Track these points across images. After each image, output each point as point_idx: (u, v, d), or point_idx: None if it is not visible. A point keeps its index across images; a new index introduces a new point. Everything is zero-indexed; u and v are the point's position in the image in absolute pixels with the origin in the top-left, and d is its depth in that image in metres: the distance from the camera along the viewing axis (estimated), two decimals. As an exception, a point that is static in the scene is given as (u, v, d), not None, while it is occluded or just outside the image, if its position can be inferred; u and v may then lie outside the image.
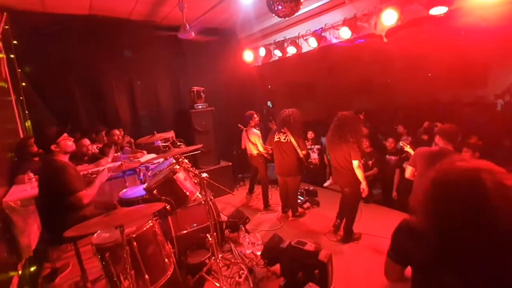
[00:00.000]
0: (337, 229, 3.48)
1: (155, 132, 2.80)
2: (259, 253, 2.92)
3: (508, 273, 0.77)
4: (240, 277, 2.65)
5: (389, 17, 3.28)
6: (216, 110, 5.14)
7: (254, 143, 4.29)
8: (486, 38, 5.33)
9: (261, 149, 4.26)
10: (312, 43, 4.32)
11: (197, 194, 2.50)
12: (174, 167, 2.38)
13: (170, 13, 4.45)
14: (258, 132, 4.34)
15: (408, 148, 3.35)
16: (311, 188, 4.80)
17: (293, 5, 2.88)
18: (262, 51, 5.25)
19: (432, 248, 0.89)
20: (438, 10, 2.94)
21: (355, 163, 3.06)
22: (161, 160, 2.91)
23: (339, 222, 3.48)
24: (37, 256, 2.91)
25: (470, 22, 4.36)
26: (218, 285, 2.42)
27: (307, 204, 4.34)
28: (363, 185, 3.11)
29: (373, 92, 8.46)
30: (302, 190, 4.55)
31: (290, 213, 4.03)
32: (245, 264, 2.84)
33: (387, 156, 4.54)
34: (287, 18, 4.33)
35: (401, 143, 3.77)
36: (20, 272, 2.53)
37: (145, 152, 3.96)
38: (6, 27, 3.44)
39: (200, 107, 4.96)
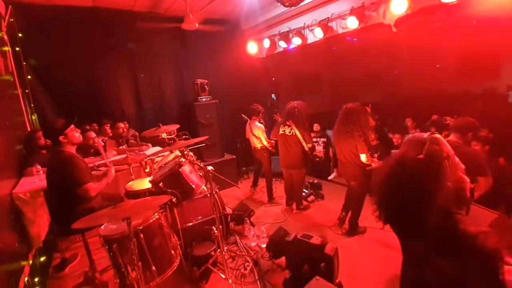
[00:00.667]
0: (342, 222, 3.47)
1: (160, 124, 2.80)
2: (264, 246, 2.94)
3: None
4: (245, 269, 2.67)
5: (399, 5, 3.17)
6: (220, 103, 5.12)
7: (257, 136, 4.27)
8: (499, 27, 5.14)
9: (265, 142, 4.24)
10: (318, 34, 4.22)
11: (203, 186, 2.50)
12: (180, 160, 2.38)
13: (173, 4, 4.38)
14: (262, 125, 4.31)
15: None
16: (316, 181, 4.79)
17: (299, -6, 2.81)
18: (266, 43, 5.17)
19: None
20: (451, -2, 2.82)
21: (363, 157, 3.02)
22: (167, 153, 2.91)
23: (344, 215, 3.47)
24: (47, 246, 2.97)
25: (483, 10, 4.20)
26: (223, 276, 2.45)
27: (311, 197, 4.33)
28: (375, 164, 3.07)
29: (380, 84, 8.30)
30: (306, 183, 4.54)
31: (294, 206, 4.03)
32: (250, 256, 2.86)
33: (393, 151, 4.47)
34: (292, 8, 4.24)
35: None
36: (30, 262, 2.59)
37: (150, 145, 3.98)
38: (11, 20, 3.44)
39: (204, 99, 4.93)
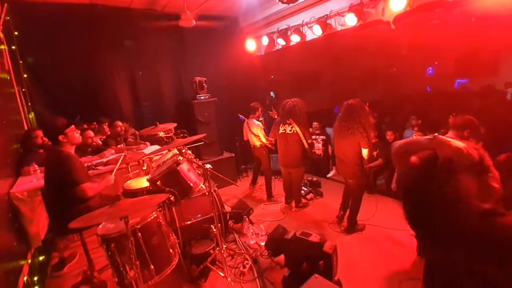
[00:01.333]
0: (341, 220, 3.48)
1: (157, 123, 2.79)
2: (263, 244, 2.94)
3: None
4: (244, 267, 2.67)
5: (398, 2, 3.16)
6: (218, 101, 5.10)
7: (256, 134, 4.26)
8: (498, 25, 5.13)
9: (263, 140, 4.23)
10: (317, 31, 4.21)
11: (201, 185, 2.50)
12: (178, 158, 2.37)
13: (170, 1, 4.35)
14: (260, 123, 4.30)
15: None
16: (315, 179, 4.79)
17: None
18: (265, 40, 5.14)
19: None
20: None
21: (365, 152, 3.02)
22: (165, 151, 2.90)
23: (342, 213, 3.47)
24: (46, 245, 2.97)
25: (482, 7, 4.18)
26: (222, 275, 2.45)
27: (310, 195, 4.33)
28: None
29: (379, 82, 8.30)
30: (305, 181, 4.54)
31: (293, 204, 4.04)
32: (249, 254, 2.86)
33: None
34: (291, 5, 4.22)
35: (414, 135, 3.70)
36: (29, 261, 2.59)
37: (148, 143, 3.97)
38: (7, 18, 3.40)
39: (202, 97, 4.91)
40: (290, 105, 3.63)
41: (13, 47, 3.56)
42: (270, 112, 5.16)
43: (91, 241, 2.60)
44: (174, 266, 2.15)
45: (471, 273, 0.94)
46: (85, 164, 3.01)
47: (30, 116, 3.96)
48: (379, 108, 6.02)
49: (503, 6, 3.93)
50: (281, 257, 2.63)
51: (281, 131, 3.74)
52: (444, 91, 7.47)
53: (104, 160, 3.20)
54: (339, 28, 4.06)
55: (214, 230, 2.43)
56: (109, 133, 4.08)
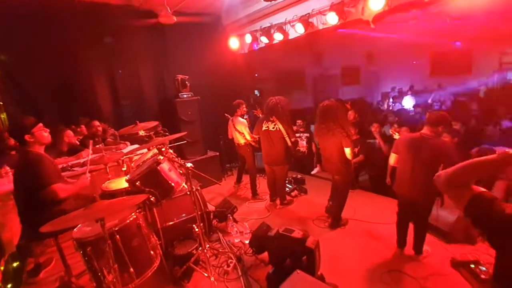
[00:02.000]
0: (330, 211, 3.55)
1: (138, 121, 2.71)
2: (247, 242, 2.93)
3: None
4: (228, 266, 2.66)
5: (377, 2, 3.23)
6: (202, 99, 5.03)
7: (241, 132, 4.24)
8: (472, 26, 5.38)
9: (248, 137, 4.22)
10: (299, 29, 4.23)
11: (183, 184, 2.45)
12: (158, 158, 2.31)
13: (150, -4, 4.24)
14: (245, 121, 4.29)
15: (397, 136, 3.39)
16: (299, 176, 4.84)
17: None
18: (248, 38, 5.12)
19: None
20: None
21: (348, 150, 3.08)
22: (145, 150, 2.83)
23: (331, 204, 3.56)
24: (20, 251, 2.83)
25: (456, 8, 4.37)
26: (206, 275, 2.43)
27: (295, 192, 4.37)
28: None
29: (360, 80, 8.50)
30: (290, 178, 4.58)
31: (278, 201, 4.06)
32: (233, 253, 2.85)
33: (369, 140, 4.59)
34: (273, 3, 4.22)
35: (390, 131, 3.81)
36: (2, 267, 2.46)
37: (128, 143, 3.85)
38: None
39: (185, 96, 4.83)
40: (273, 103, 3.64)
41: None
42: (255, 111, 5.15)
43: (68, 246, 2.49)
44: (155, 268, 2.10)
45: None
46: (60, 165, 2.89)
47: (2, 117, 3.75)
48: (361, 106, 6.17)
49: (476, 6, 4.12)
50: (265, 255, 2.64)
51: (264, 128, 3.75)
52: (421, 89, 7.76)
53: (81, 161, 3.08)
54: (320, 26, 4.11)
55: (197, 230, 2.39)
56: (87, 133, 3.93)
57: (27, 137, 2.24)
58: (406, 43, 6.50)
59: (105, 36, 4.59)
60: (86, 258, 1.89)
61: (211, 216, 3.31)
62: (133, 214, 2.04)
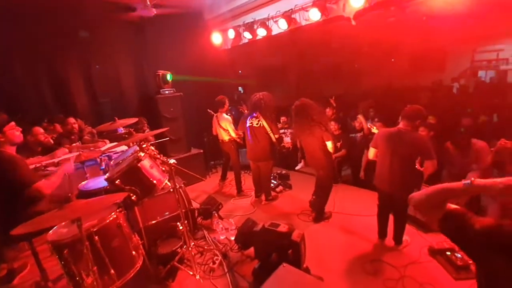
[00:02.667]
0: (314, 205, 3.60)
1: (116, 118, 2.60)
2: (233, 238, 2.91)
3: None
4: (214, 263, 2.63)
5: (357, -1, 3.29)
6: (184, 96, 4.92)
7: (225, 128, 4.20)
8: (446, 24, 5.60)
9: (232, 134, 4.19)
10: (282, 25, 4.23)
11: (166, 182, 2.39)
12: (139, 155, 2.23)
13: (129, -12, 4.07)
14: (229, 117, 4.24)
15: (374, 130, 3.48)
16: (284, 172, 4.87)
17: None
18: (231, 33, 5.05)
19: None
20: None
21: (329, 144, 3.13)
22: (125, 148, 2.73)
23: (315, 198, 3.61)
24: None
25: (432, 7, 4.53)
26: (191, 273, 2.39)
27: (279, 188, 4.40)
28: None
29: (343, 77, 8.67)
30: (274, 174, 4.60)
31: (263, 197, 4.06)
32: (219, 249, 2.82)
33: (352, 135, 4.70)
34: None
35: (368, 125, 3.91)
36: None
37: (107, 141, 3.70)
38: None
39: (167, 92, 4.70)
40: (256, 99, 3.62)
41: None
42: (240, 107, 5.12)
43: (44, 249, 2.37)
44: (138, 269, 2.03)
45: None
46: (33, 166, 2.73)
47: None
48: (344, 102, 6.29)
49: (451, 5, 4.29)
50: (251, 250, 2.64)
51: (248, 124, 3.73)
52: (401, 86, 8.03)
53: (56, 160, 2.92)
54: (303, 22, 4.13)
55: (181, 228, 2.34)
56: (61, 131, 3.73)
57: None
58: (386, 41, 6.69)
59: (80, 30, 4.36)
60: (63, 262, 1.79)
61: (196, 214, 3.26)
62: (112, 213, 1.96)
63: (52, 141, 3.40)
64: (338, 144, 4.61)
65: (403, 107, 2.64)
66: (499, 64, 7.63)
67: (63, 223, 1.92)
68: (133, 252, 2.04)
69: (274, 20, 4.42)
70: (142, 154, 2.21)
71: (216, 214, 3.32)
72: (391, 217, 2.82)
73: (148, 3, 3.61)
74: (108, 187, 2.28)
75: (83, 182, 2.65)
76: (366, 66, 8.51)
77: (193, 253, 2.44)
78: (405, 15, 4.51)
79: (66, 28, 4.18)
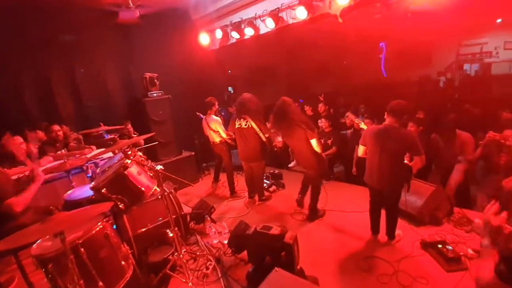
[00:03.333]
0: (300, 203, 3.63)
1: (101, 123, 2.52)
2: (226, 242, 2.88)
3: None
4: (207, 268, 2.58)
5: (343, -4, 3.28)
6: (173, 98, 4.83)
7: (215, 130, 4.15)
8: (430, 20, 5.68)
9: (223, 135, 4.15)
10: (270, 24, 4.20)
11: (155, 188, 2.33)
12: (125, 162, 2.17)
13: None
14: (219, 118, 4.20)
15: (363, 125, 3.49)
16: (276, 171, 4.85)
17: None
18: (218, 33, 5.00)
19: None
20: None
21: (314, 142, 3.12)
22: (111, 154, 2.65)
23: (301, 196, 3.65)
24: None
25: (417, 3, 4.58)
26: (184, 280, 2.34)
27: (273, 187, 4.38)
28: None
29: (332, 74, 8.71)
30: (267, 174, 4.58)
31: (256, 197, 4.04)
32: (212, 254, 2.78)
33: (342, 131, 4.72)
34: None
35: (356, 121, 3.92)
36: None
37: (94, 147, 3.60)
38: None
39: (155, 95, 4.60)
40: (243, 100, 3.59)
41: None
42: (230, 108, 5.07)
43: (30, 263, 2.27)
44: (128, 279, 1.97)
45: None
46: (16, 176, 2.63)
47: None
48: (333, 99, 6.31)
49: (434, 2, 4.34)
50: (245, 253, 2.61)
51: (237, 125, 3.69)
52: (390, 81, 8.12)
53: (41, 169, 2.81)
54: (290, 21, 4.10)
55: (171, 234, 2.29)
56: (45, 139, 3.61)
57: None
58: (373, 37, 6.74)
59: (64, 33, 4.23)
60: (49, 276, 1.72)
61: (188, 219, 3.21)
62: (99, 223, 1.89)
63: (34, 150, 3.29)
64: (329, 141, 4.62)
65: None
66: (483, 57, 7.80)
67: (47, 236, 1.85)
68: (123, 262, 1.98)
69: (262, 19, 4.38)
70: (128, 161, 2.14)
71: (208, 218, 3.27)
72: (383, 213, 2.84)
73: (131, 4, 3.52)
74: (93, 197, 2.21)
75: (69, 192, 2.56)
76: (354, 63, 8.57)
77: (185, 260, 2.39)
78: (391, 12, 4.55)
79: (50, 31, 4.05)
